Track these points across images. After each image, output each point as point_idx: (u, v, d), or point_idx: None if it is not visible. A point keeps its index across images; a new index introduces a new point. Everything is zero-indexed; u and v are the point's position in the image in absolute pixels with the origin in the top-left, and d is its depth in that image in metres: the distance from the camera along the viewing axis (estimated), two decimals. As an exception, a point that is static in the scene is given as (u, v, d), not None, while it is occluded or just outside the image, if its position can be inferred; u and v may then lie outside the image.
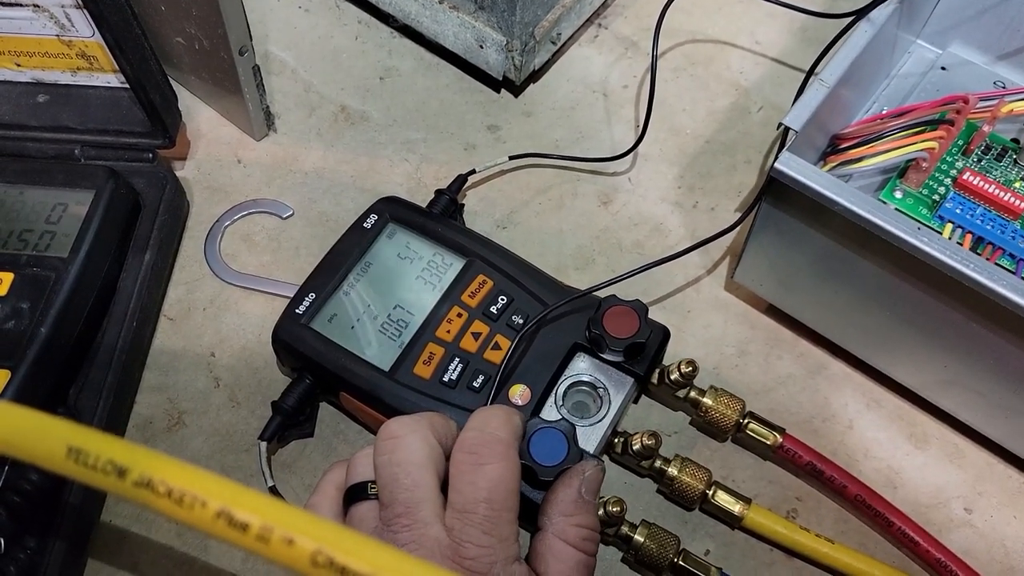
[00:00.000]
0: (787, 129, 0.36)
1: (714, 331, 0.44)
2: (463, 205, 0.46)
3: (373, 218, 0.42)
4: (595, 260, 0.46)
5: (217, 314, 0.44)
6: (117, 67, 0.41)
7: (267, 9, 0.55)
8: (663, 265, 0.42)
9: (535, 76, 0.52)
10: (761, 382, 0.43)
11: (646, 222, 0.48)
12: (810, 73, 0.41)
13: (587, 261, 0.46)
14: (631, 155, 0.49)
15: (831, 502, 0.40)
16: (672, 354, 0.41)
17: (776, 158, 0.34)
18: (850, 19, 0.40)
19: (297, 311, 0.39)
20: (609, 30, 0.55)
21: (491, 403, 0.37)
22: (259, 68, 0.46)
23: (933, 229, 0.42)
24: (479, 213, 0.48)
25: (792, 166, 0.34)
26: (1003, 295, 0.31)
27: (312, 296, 0.39)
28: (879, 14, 0.39)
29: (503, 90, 0.52)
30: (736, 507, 0.37)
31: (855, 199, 0.33)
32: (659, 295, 0.45)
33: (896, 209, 0.43)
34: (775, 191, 0.36)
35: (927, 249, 0.31)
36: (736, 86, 0.52)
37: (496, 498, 0.31)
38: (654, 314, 0.42)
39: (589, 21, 0.54)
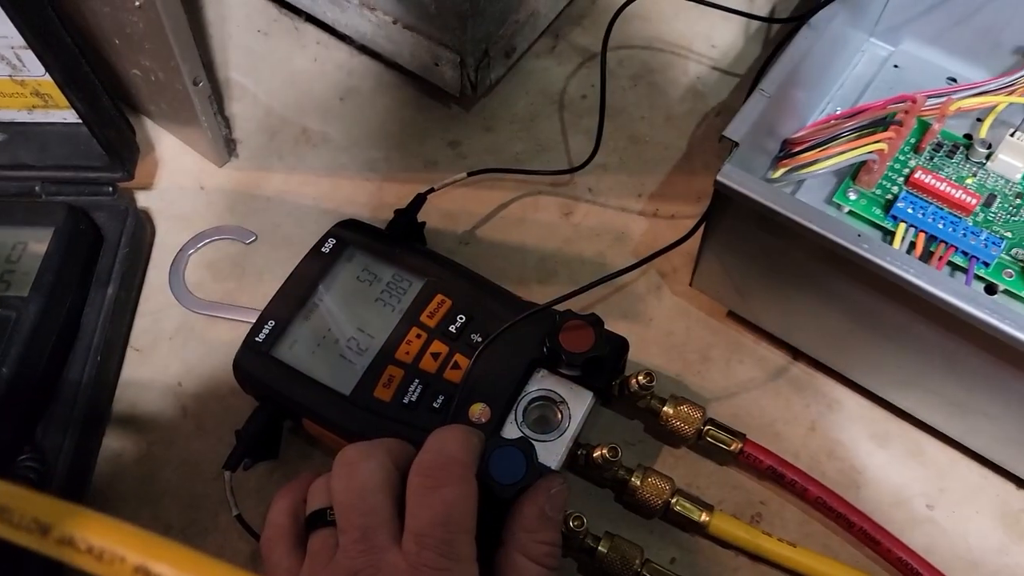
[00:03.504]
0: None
1: (676, 338, 0.45)
2: (424, 223, 0.46)
3: (331, 242, 0.42)
4: (558, 272, 0.47)
5: (183, 343, 0.45)
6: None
7: (227, 35, 0.55)
8: (626, 274, 0.42)
9: (493, 90, 0.53)
10: (724, 387, 0.43)
11: (608, 232, 0.48)
12: (756, 82, 0.42)
13: (550, 274, 0.47)
14: (592, 165, 0.49)
15: (794, 505, 0.40)
16: (635, 363, 0.41)
17: (719, 170, 0.34)
18: (792, 25, 0.40)
19: (257, 339, 0.39)
20: (567, 40, 0.55)
21: (451, 423, 0.37)
22: (214, 97, 0.46)
23: (887, 230, 0.42)
24: (441, 231, 0.48)
25: (734, 178, 0.34)
26: (942, 298, 0.31)
27: (272, 323, 0.40)
28: (820, 19, 0.40)
29: (463, 106, 0.52)
30: (699, 516, 0.38)
31: (795, 208, 0.33)
32: (621, 304, 0.46)
33: (850, 211, 0.43)
34: (721, 202, 0.36)
35: (866, 255, 0.32)
36: (694, 92, 0.53)
37: (453, 520, 0.31)
38: (616, 323, 0.42)
39: (546, 32, 0.55)
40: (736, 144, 0.35)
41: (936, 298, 0.31)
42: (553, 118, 0.52)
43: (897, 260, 0.31)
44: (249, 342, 0.39)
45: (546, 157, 0.51)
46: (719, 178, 0.34)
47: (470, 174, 0.48)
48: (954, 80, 0.48)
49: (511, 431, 0.38)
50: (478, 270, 0.43)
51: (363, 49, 0.54)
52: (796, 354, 0.43)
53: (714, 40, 0.54)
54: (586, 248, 0.47)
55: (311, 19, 0.55)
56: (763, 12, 0.55)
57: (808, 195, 0.44)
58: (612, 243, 0.48)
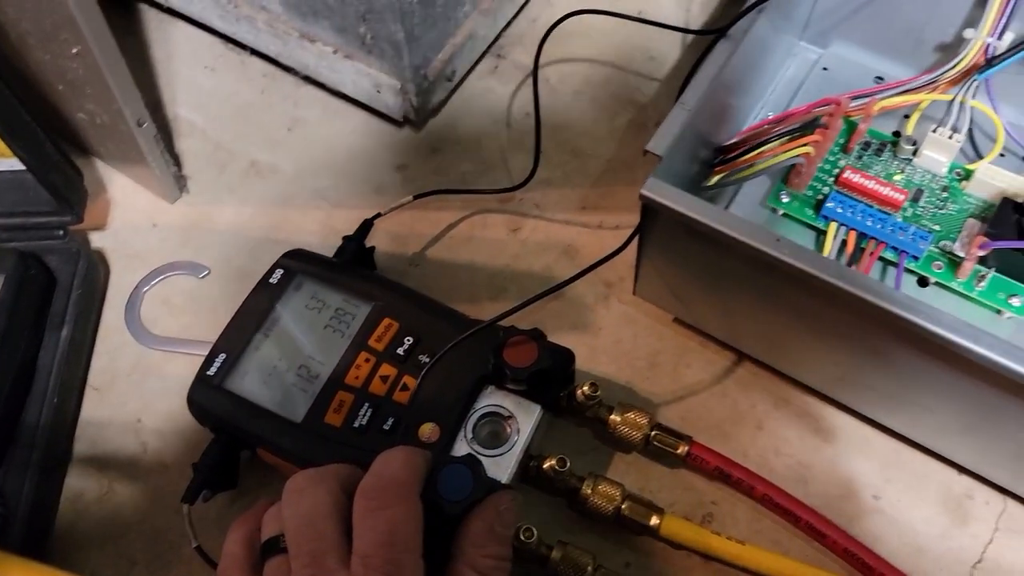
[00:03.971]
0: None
1: (625, 346, 0.45)
2: (373, 248, 0.47)
3: (279, 272, 0.43)
4: (507, 288, 0.48)
5: (141, 380, 0.45)
6: (14, 152, 0.42)
7: (174, 72, 0.56)
8: (572, 285, 0.43)
9: (437, 113, 0.54)
10: (673, 391, 0.44)
11: (555, 246, 0.49)
12: (679, 95, 0.43)
13: (500, 290, 0.48)
14: (537, 181, 0.50)
15: (745, 503, 0.41)
16: (586, 372, 0.42)
17: (643, 184, 0.35)
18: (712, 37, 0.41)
19: (208, 373, 0.40)
20: (508, 59, 0.56)
21: (401, 444, 0.38)
22: (161, 136, 0.47)
23: (820, 229, 0.43)
24: (391, 254, 0.49)
25: (657, 191, 0.35)
26: (858, 295, 0.32)
27: (223, 356, 0.40)
28: (738, 29, 0.41)
29: (408, 130, 0.53)
30: (649, 519, 0.38)
31: (715, 216, 0.34)
32: (570, 316, 0.46)
33: (784, 214, 0.44)
34: (650, 214, 0.37)
35: (783, 258, 0.33)
36: (634, 103, 0.54)
37: (397, 541, 0.32)
38: (566, 335, 0.43)
39: (487, 53, 0.56)
40: (660, 157, 0.36)
41: (852, 296, 0.32)
42: (497, 137, 0.53)
43: (811, 261, 0.32)
44: (201, 376, 0.40)
45: (493, 175, 0.52)
46: (643, 192, 0.35)
47: (416, 197, 0.49)
48: (882, 79, 0.49)
49: (461, 448, 0.39)
50: (429, 291, 0.44)
51: (308, 79, 0.55)
52: (741, 356, 0.44)
53: (652, 52, 0.56)
54: (534, 263, 0.48)
55: (256, 53, 0.56)
56: (698, 21, 0.56)
57: (746, 199, 0.46)
58: (559, 256, 0.49)
